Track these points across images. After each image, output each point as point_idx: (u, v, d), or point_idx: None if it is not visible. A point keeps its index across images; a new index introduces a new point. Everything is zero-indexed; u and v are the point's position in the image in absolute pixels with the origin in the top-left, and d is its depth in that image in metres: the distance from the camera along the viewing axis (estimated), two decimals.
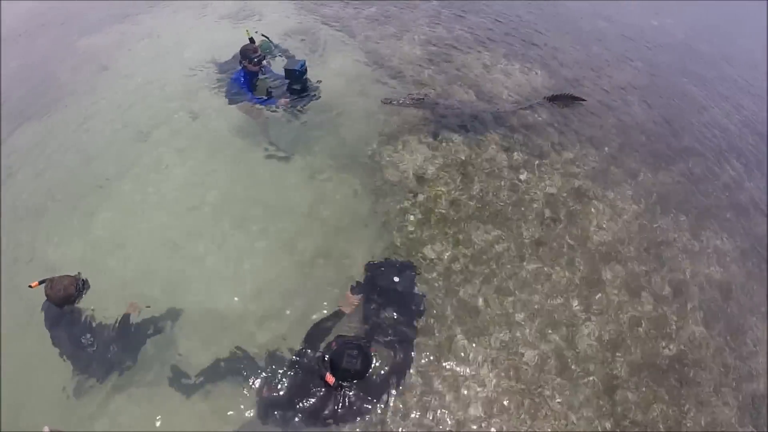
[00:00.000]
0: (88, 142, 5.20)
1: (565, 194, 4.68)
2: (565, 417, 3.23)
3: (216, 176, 4.65)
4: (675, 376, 3.57)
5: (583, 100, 5.99)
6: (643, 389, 3.45)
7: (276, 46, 5.89)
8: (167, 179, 4.65)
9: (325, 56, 6.41)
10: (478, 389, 3.29)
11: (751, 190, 5.41)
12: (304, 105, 5.14)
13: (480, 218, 4.32)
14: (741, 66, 8.74)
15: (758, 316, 4.08)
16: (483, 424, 3.15)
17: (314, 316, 3.42)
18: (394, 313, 3.29)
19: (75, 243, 4.12)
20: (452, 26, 7.61)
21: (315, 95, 5.23)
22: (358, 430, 2.98)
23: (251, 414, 2.94)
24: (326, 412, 2.76)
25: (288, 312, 3.57)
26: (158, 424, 3.09)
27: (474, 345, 3.48)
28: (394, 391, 3.11)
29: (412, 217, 4.28)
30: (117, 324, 3.24)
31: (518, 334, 3.59)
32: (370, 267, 3.59)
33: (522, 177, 4.78)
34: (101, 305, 3.38)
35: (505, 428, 3.15)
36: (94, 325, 3.22)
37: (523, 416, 3.21)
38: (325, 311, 3.46)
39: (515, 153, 5.03)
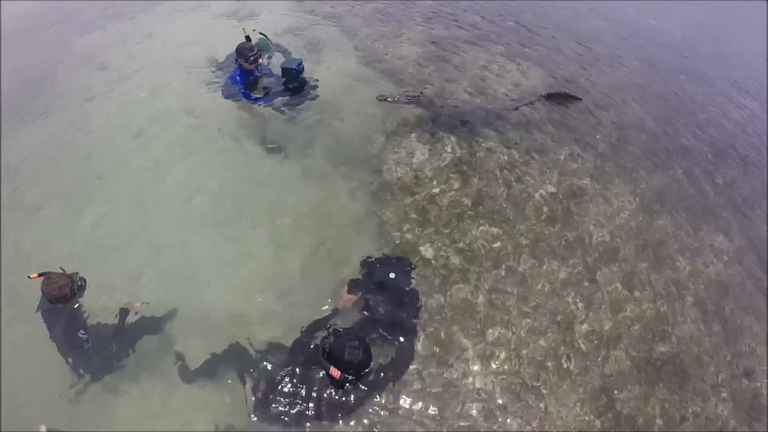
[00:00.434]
0: (86, 142, 5.18)
1: (562, 192, 4.67)
2: (562, 415, 3.22)
3: (213, 175, 4.63)
4: (673, 374, 3.56)
5: (579, 98, 5.99)
6: (641, 387, 3.44)
7: (274, 45, 5.89)
8: (164, 178, 4.63)
9: (322, 54, 6.40)
10: (475, 387, 3.27)
11: (749, 189, 5.40)
12: (301, 103, 5.13)
13: (477, 216, 4.30)
14: (739, 65, 8.75)
15: (756, 315, 4.07)
16: (480, 422, 3.13)
17: (311, 315, 3.39)
18: (391, 310, 3.28)
19: (72, 240, 4.11)
20: (450, 25, 7.61)
21: (312, 94, 5.23)
22: (356, 427, 2.96)
23: (249, 412, 2.92)
24: (323, 408, 2.73)
25: (285, 310, 3.56)
26: (155, 422, 3.08)
27: (471, 343, 3.47)
28: (390, 389, 3.10)
29: (409, 215, 4.27)
30: (114, 321, 3.23)
31: (515, 332, 3.58)
32: (367, 263, 3.57)
33: (519, 175, 4.76)
34: (98, 302, 3.38)
35: (502, 426, 3.13)
36: (90, 322, 3.21)
37: (520, 414, 3.19)
38: (323, 309, 3.45)
39: (512, 151, 5.02)
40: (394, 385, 3.10)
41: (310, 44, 6.64)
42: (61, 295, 2.97)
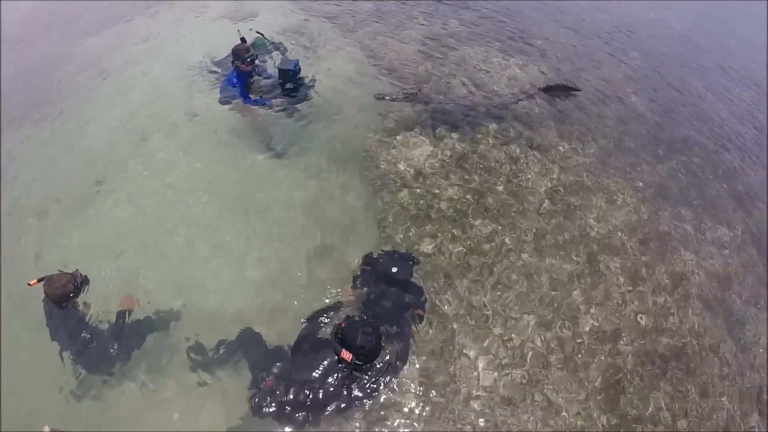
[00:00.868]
0: (87, 144, 5.22)
1: (563, 186, 4.66)
2: (566, 410, 3.21)
3: (214, 176, 4.65)
4: (677, 367, 3.54)
5: (578, 90, 5.97)
6: (646, 381, 3.43)
7: (271, 44, 5.89)
8: (165, 180, 4.65)
9: (320, 54, 6.40)
10: (479, 382, 3.27)
11: (751, 181, 5.37)
12: (299, 104, 5.13)
13: (478, 212, 4.30)
14: (740, 57, 8.69)
15: (759, 307, 4.05)
16: (484, 418, 3.13)
17: (314, 311, 3.40)
18: (394, 304, 3.27)
19: (75, 243, 4.14)
20: (447, 22, 7.59)
21: (310, 94, 5.23)
22: (357, 425, 2.97)
23: (251, 410, 2.92)
24: (327, 400, 2.73)
25: (288, 307, 3.57)
26: (157, 421, 3.10)
27: (474, 338, 3.46)
28: (394, 384, 3.11)
29: (410, 212, 4.26)
30: (116, 321, 3.24)
31: (518, 327, 3.57)
32: (370, 259, 3.58)
33: (520, 170, 4.75)
34: (101, 304, 3.41)
35: (506, 422, 3.13)
36: (93, 322, 3.23)
37: (524, 409, 3.19)
38: (327, 304, 3.44)
39: (512, 146, 5.00)
40: (396, 378, 3.10)
41: (308, 43, 6.63)
42: (65, 293, 2.97)
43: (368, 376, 2.88)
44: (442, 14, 7.84)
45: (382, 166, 4.71)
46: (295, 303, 3.58)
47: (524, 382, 3.30)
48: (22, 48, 7.73)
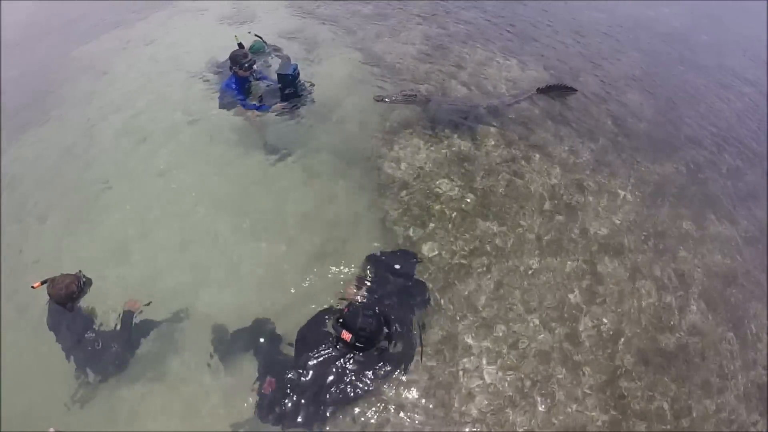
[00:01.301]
0: (89, 148, 5.23)
1: (564, 186, 4.66)
2: (569, 408, 3.21)
3: (215, 180, 4.67)
4: (679, 365, 3.54)
5: (575, 90, 5.98)
6: (648, 378, 3.43)
7: (269, 47, 5.91)
8: (167, 183, 4.67)
9: (320, 56, 6.42)
10: (481, 381, 3.28)
11: (751, 177, 5.36)
12: (299, 107, 5.13)
13: (479, 212, 4.30)
14: (739, 54, 8.67)
15: (761, 304, 4.04)
16: (487, 417, 3.13)
17: (317, 312, 3.40)
18: (398, 301, 3.28)
19: (78, 247, 4.15)
20: (446, 23, 7.61)
21: (309, 97, 5.23)
22: (359, 424, 2.97)
23: (252, 412, 2.93)
24: (329, 398, 2.74)
25: (291, 308, 3.56)
26: (160, 422, 3.11)
27: (476, 337, 3.47)
28: (396, 384, 3.11)
29: (411, 212, 4.28)
30: (119, 322, 3.26)
31: (520, 326, 3.58)
32: (372, 258, 3.58)
33: (520, 170, 4.76)
34: (104, 306, 3.42)
35: (508, 421, 3.13)
36: (96, 323, 3.25)
37: (525, 409, 3.19)
38: (330, 303, 3.46)
39: (513, 146, 5.01)
40: (399, 376, 3.11)
41: (307, 46, 6.66)
42: (69, 293, 3.00)
43: (371, 376, 2.90)
44: (440, 16, 7.86)
45: (383, 168, 4.72)
46: (297, 304, 3.58)
47: (526, 381, 3.31)
48: (22, 51, 7.77)
